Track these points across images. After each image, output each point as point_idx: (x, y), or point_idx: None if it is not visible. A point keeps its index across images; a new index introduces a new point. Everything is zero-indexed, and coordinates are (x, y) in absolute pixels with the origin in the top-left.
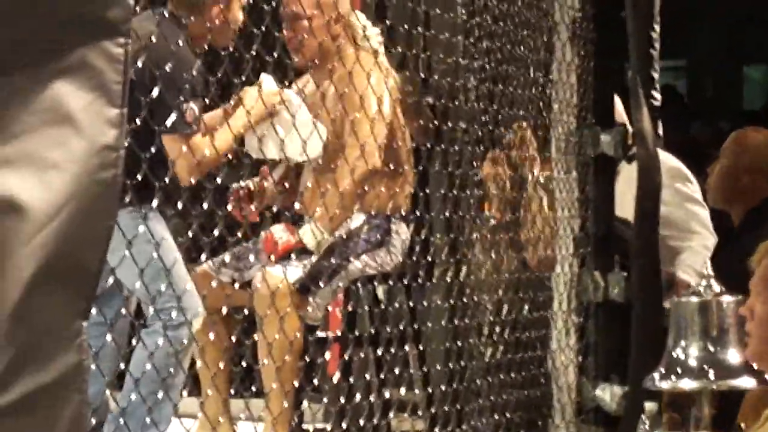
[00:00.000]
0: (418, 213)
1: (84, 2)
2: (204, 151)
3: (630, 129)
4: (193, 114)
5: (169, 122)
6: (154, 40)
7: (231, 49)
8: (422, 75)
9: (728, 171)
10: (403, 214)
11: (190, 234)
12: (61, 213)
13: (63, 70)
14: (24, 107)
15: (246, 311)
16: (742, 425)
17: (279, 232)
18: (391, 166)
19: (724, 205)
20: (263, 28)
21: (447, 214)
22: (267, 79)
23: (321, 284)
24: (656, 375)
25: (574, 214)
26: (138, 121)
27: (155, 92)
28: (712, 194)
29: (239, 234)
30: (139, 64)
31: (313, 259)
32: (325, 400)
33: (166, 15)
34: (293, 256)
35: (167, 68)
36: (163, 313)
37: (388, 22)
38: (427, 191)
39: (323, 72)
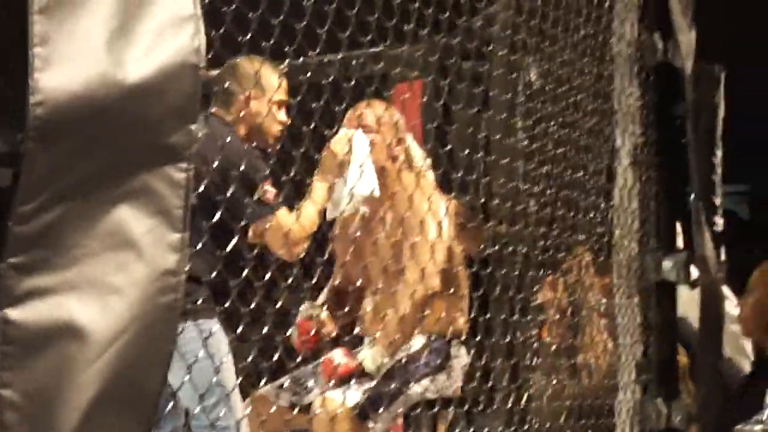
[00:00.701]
0: (478, 337)
1: (148, 128)
2: (300, 222)
3: (692, 254)
4: (272, 194)
5: (249, 214)
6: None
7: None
8: (482, 199)
9: (760, 303)
10: (463, 338)
11: (249, 358)
12: (121, 338)
13: (125, 194)
14: (87, 232)
15: None
16: None
17: (338, 356)
18: (451, 290)
19: (757, 336)
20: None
21: (508, 338)
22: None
23: (381, 409)
24: None
25: (637, 340)
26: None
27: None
28: (744, 325)
29: (298, 359)
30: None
31: (373, 383)
32: None
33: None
34: (353, 380)
35: (231, 164)
36: None
37: (449, 146)
38: (488, 315)
39: (383, 193)
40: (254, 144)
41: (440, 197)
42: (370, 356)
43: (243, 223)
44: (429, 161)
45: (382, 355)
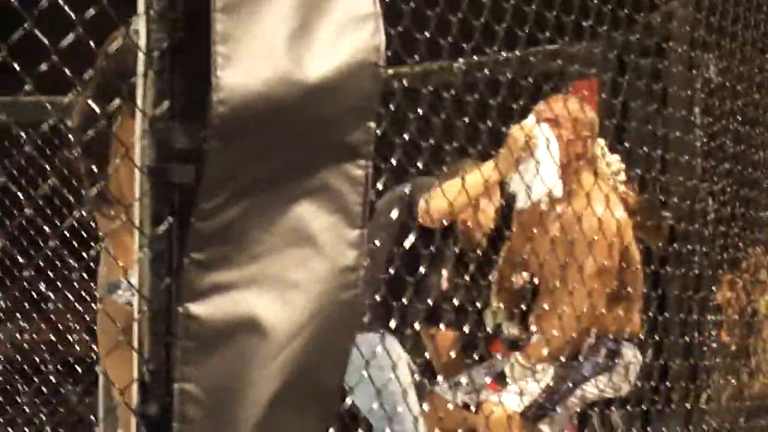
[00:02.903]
0: (656, 337)
1: (328, 126)
2: (438, 200)
3: None
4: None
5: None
6: None
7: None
8: (661, 197)
9: None
10: (641, 337)
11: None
12: (302, 333)
13: (306, 191)
14: (267, 228)
15: None
16: None
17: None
18: (628, 289)
19: None
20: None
21: (686, 338)
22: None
23: (556, 408)
24: None
25: None
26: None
27: None
28: None
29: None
30: None
31: (547, 381)
32: None
33: None
34: (527, 378)
35: None
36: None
37: (627, 144)
38: (666, 315)
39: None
40: None
41: (618, 199)
42: (509, 368)
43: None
44: (622, 165)
45: (522, 373)
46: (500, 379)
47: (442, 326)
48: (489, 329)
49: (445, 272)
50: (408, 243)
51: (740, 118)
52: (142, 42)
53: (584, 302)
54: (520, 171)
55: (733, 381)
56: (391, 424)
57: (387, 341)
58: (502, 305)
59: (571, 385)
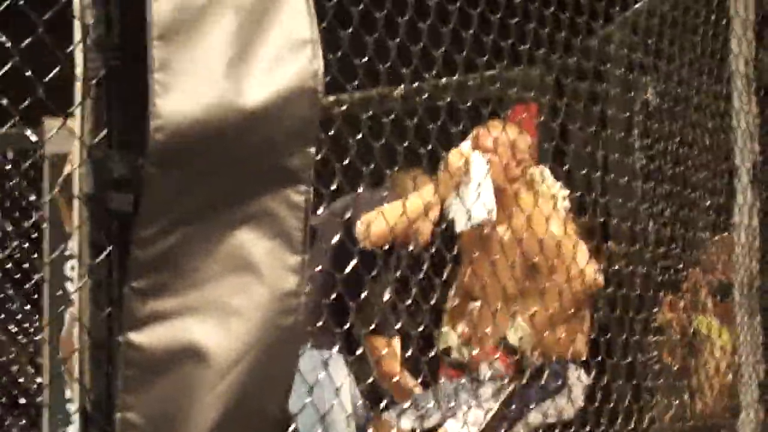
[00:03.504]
0: (600, 358)
1: (267, 152)
2: (383, 210)
3: None
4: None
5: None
6: None
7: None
8: (601, 219)
9: None
10: (584, 359)
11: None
12: (243, 360)
13: (245, 217)
14: (207, 255)
15: None
16: None
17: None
18: (571, 311)
19: None
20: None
21: (629, 359)
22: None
23: None
24: None
25: (760, 360)
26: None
27: None
28: None
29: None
30: None
31: (494, 409)
32: None
33: None
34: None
35: None
36: None
37: (566, 166)
38: (608, 336)
39: (501, 216)
40: None
41: (558, 219)
42: (512, 330)
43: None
44: (565, 191)
45: (524, 330)
46: (509, 350)
47: (388, 336)
48: (436, 352)
49: (388, 287)
50: (350, 266)
51: (679, 140)
52: (79, 70)
53: (546, 325)
54: (460, 194)
55: (675, 401)
56: None
57: (332, 364)
58: (456, 329)
59: (517, 411)
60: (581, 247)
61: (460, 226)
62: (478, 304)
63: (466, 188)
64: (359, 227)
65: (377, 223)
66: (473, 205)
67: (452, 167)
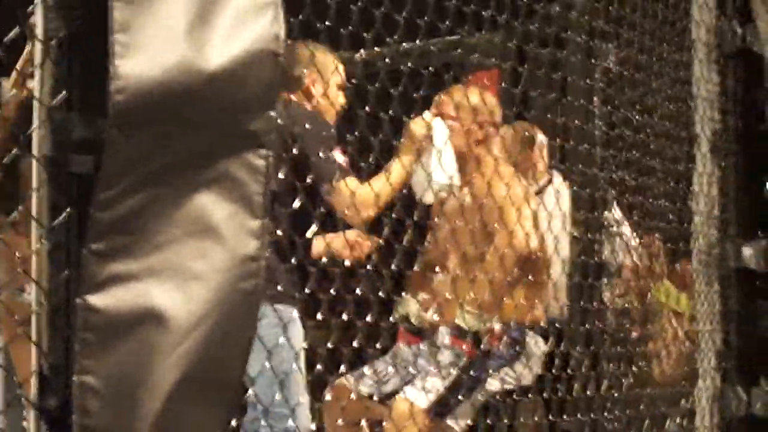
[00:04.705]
0: (557, 325)
1: (228, 115)
2: (366, 190)
3: None
4: (343, 160)
5: (321, 174)
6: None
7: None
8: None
9: None
10: (542, 326)
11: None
12: (203, 323)
13: (206, 181)
14: (168, 218)
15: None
16: None
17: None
18: (530, 277)
19: None
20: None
21: (587, 326)
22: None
23: (459, 401)
24: None
25: (716, 328)
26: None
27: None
28: None
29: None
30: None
31: (452, 377)
32: None
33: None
34: (432, 373)
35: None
36: (275, 420)
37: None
38: (567, 303)
39: (462, 181)
40: None
41: (519, 183)
42: (460, 317)
43: (311, 179)
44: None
45: (470, 315)
46: (462, 334)
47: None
48: (394, 319)
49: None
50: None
51: (639, 108)
52: (40, 30)
53: (486, 291)
54: (422, 162)
55: (633, 369)
56: (293, 415)
57: (291, 327)
58: (417, 297)
59: (475, 378)
60: (525, 212)
61: (422, 194)
62: (441, 274)
63: (429, 156)
64: (341, 197)
65: (364, 192)
66: (434, 171)
67: (414, 136)
